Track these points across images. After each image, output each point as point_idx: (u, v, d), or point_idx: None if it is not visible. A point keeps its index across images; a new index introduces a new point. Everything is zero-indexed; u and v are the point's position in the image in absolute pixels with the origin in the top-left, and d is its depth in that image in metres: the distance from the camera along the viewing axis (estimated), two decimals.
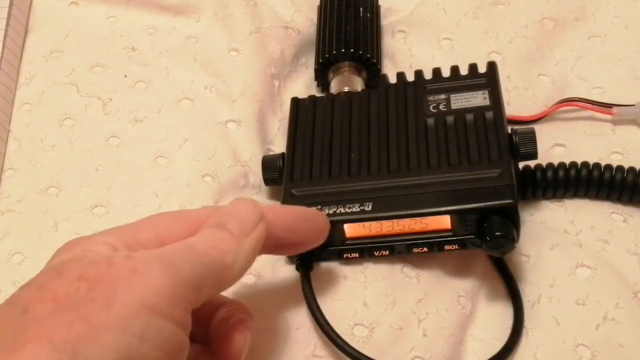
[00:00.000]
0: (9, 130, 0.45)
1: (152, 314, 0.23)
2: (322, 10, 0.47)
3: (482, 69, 0.40)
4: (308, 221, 0.33)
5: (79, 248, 0.27)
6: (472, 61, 0.41)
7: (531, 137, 0.36)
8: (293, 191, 0.37)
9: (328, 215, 0.35)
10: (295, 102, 0.42)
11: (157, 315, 0.23)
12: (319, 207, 0.36)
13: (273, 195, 0.41)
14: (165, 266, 0.24)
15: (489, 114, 0.37)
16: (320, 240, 0.33)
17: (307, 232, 0.33)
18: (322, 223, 0.33)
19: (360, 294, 0.36)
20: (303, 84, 0.46)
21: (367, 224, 0.36)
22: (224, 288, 0.28)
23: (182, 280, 0.25)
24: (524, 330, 0.35)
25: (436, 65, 0.41)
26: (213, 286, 0.27)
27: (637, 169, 0.37)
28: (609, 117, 0.41)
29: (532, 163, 0.38)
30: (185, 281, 0.25)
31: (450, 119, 0.38)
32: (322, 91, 0.45)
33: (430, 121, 0.38)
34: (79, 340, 0.22)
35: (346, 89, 0.42)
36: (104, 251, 0.26)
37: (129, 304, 0.23)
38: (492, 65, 0.40)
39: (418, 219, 0.35)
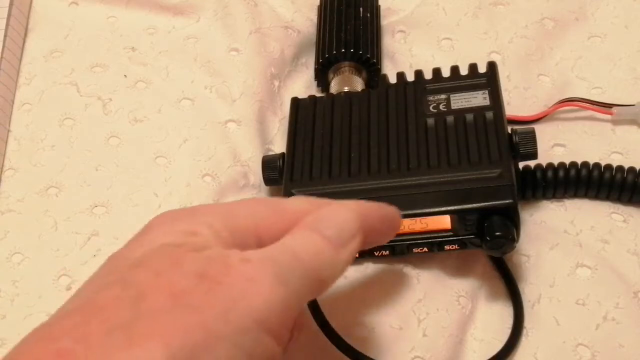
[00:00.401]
0: (9, 130, 0.45)
1: (262, 331, 0.22)
2: (322, 10, 0.47)
3: (482, 69, 0.40)
4: (389, 221, 0.30)
5: (182, 226, 0.25)
6: (472, 61, 0.41)
7: (531, 137, 0.36)
8: (293, 191, 0.37)
9: None
10: (295, 102, 0.42)
11: (266, 333, 0.22)
12: None
13: (273, 195, 0.41)
14: (279, 281, 0.23)
15: (489, 114, 0.37)
16: (390, 238, 0.31)
17: (385, 232, 0.30)
18: (398, 222, 0.31)
19: (361, 294, 0.36)
20: (303, 84, 0.46)
21: None
22: None
23: (292, 297, 0.23)
24: (524, 330, 0.35)
25: (436, 65, 0.41)
26: (307, 301, 0.25)
27: (637, 169, 0.37)
28: (609, 117, 0.41)
29: (532, 163, 0.38)
30: (294, 298, 0.24)
31: (450, 119, 0.38)
32: (322, 91, 0.45)
33: (430, 121, 0.38)
34: (196, 348, 0.21)
35: (346, 89, 0.42)
36: (211, 238, 0.25)
37: (244, 317, 0.22)
38: (492, 65, 0.40)
39: (418, 219, 0.35)
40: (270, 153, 0.42)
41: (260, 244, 0.26)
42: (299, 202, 0.28)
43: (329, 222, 0.26)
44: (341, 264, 0.26)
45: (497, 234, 0.33)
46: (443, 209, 0.34)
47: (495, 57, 0.45)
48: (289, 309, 0.23)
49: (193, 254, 0.23)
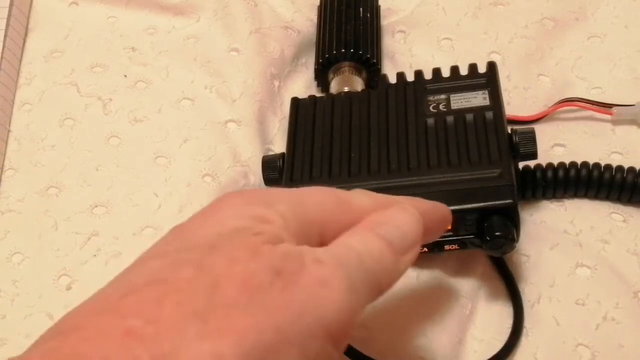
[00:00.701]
0: (9, 130, 0.45)
1: (328, 340, 0.22)
2: (322, 10, 0.47)
3: (482, 69, 0.40)
4: (442, 222, 0.30)
5: (255, 211, 0.24)
6: (472, 61, 0.41)
7: (531, 137, 0.36)
8: None
9: None
10: (295, 102, 0.42)
11: (331, 343, 0.22)
12: None
13: None
14: (350, 288, 0.22)
15: (489, 114, 0.37)
16: (439, 236, 0.31)
17: (437, 232, 0.30)
18: (449, 221, 0.31)
19: None
20: (303, 84, 0.46)
21: None
22: None
23: (358, 306, 0.23)
24: (524, 330, 0.35)
25: (436, 65, 0.41)
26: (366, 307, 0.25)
27: (637, 169, 0.37)
28: (608, 117, 0.41)
29: (532, 163, 0.38)
30: (360, 306, 0.23)
31: (450, 119, 0.38)
32: (322, 91, 0.45)
33: (430, 121, 0.38)
34: (267, 350, 0.20)
35: (346, 89, 0.42)
36: (282, 229, 0.24)
37: (313, 322, 0.21)
38: (492, 66, 0.40)
39: None
40: (270, 153, 0.42)
41: (323, 238, 0.25)
42: (363, 198, 0.27)
43: (393, 228, 0.26)
44: (400, 271, 0.26)
45: (497, 234, 0.33)
46: None
47: (495, 57, 0.45)
48: (354, 317, 0.23)
49: (270, 247, 0.22)
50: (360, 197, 0.27)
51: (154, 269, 0.22)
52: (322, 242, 0.25)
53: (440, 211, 0.30)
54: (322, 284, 0.22)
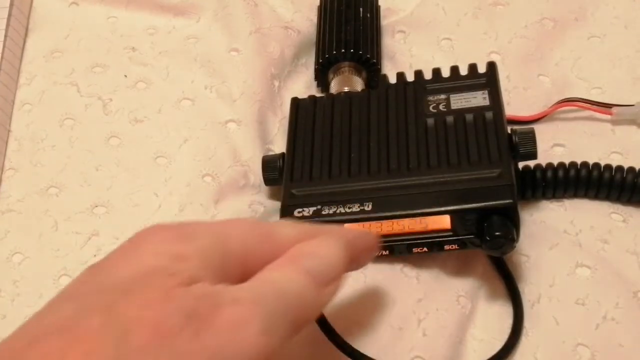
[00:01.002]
0: (9, 130, 0.45)
1: None
2: (322, 11, 0.47)
3: (481, 69, 0.40)
4: (369, 250, 0.30)
5: (173, 248, 0.23)
6: (472, 61, 0.41)
7: (531, 137, 0.36)
8: (293, 191, 0.37)
9: (328, 215, 0.35)
10: (295, 102, 0.42)
11: None
12: (319, 206, 0.36)
13: (273, 196, 0.41)
14: (267, 329, 0.22)
15: (489, 114, 0.37)
16: (365, 265, 0.31)
17: (363, 262, 0.30)
18: (375, 251, 0.31)
19: (361, 294, 0.36)
20: (303, 84, 0.46)
21: (367, 224, 0.36)
22: None
23: (277, 345, 0.22)
24: (524, 330, 0.35)
25: (436, 65, 0.41)
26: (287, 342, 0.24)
27: (637, 169, 0.37)
28: (608, 117, 0.41)
29: (531, 163, 0.38)
30: (279, 344, 0.23)
31: (450, 119, 0.38)
32: (322, 91, 0.45)
33: (430, 121, 0.38)
34: None
35: (346, 89, 0.42)
36: (200, 267, 0.23)
37: None
38: (491, 66, 0.40)
39: (418, 219, 0.35)
40: (270, 153, 0.42)
41: (246, 270, 0.25)
42: (288, 230, 0.27)
43: (316, 259, 0.25)
44: (322, 303, 0.25)
45: (497, 234, 0.33)
46: (443, 209, 0.34)
47: (495, 57, 0.45)
48: (271, 355, 0.22)
49: (184, 289, 0.22)
50: (284, 228, 0.27)
51: (63, 314, 0.21)
52: (245, 276, 0.24)
53: (367, 240, 0.30)
54: (238, 326, 0.21)
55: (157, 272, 0.22)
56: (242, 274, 0.24)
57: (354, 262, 0.28)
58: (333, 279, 0.26)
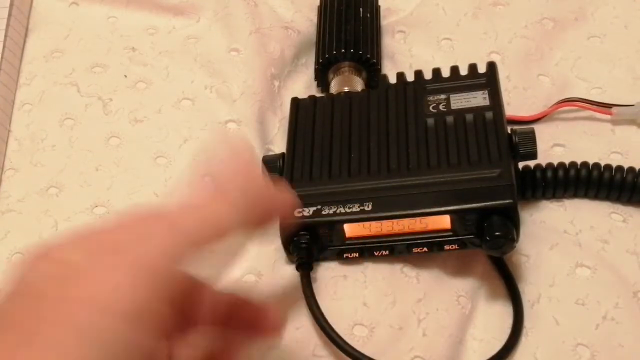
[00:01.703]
0: (9, 130, 0.45)
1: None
2: (322, 11, 0.47)
3: (481, 69, 0.40)
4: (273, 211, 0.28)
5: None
6: (472, 61, 0.41)
7: (531, 137, 0.36)
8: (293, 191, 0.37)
9: (328, 214, 0.35)
10: (295, 102, 0.42)
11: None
12: (319, 206, 0.36)
13: None
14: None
15: (489, 114, 0.37)
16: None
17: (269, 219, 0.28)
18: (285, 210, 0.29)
19: (360, 294, 0.36)
20: (303, 84, 0.46)
21: (367, 223, 0.36)
22: None
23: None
24: (524, 330, 0.35)
25: (436, 65, 0.41)
26: None
27: (637, 169, 0.37)
28: (608, 117, 0.41)
29: (531, 163, 0.38)
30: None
31: (450, 119, 0.38)
32: (322, 91, 0.45)
33: (430, 121, 0.38)
34: None
35: (346, 89, 0.42)
36: None
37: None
38: (491, 66, 0.40)
39: (418, 219, 0.35)
40: (270, 153, 0.42)
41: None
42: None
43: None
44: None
45: (497, 234, 0.33)
46: (443, 209, 0.34)
47: (495, 57, 0.45)
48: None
49: None
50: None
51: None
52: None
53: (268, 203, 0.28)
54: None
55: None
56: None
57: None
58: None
